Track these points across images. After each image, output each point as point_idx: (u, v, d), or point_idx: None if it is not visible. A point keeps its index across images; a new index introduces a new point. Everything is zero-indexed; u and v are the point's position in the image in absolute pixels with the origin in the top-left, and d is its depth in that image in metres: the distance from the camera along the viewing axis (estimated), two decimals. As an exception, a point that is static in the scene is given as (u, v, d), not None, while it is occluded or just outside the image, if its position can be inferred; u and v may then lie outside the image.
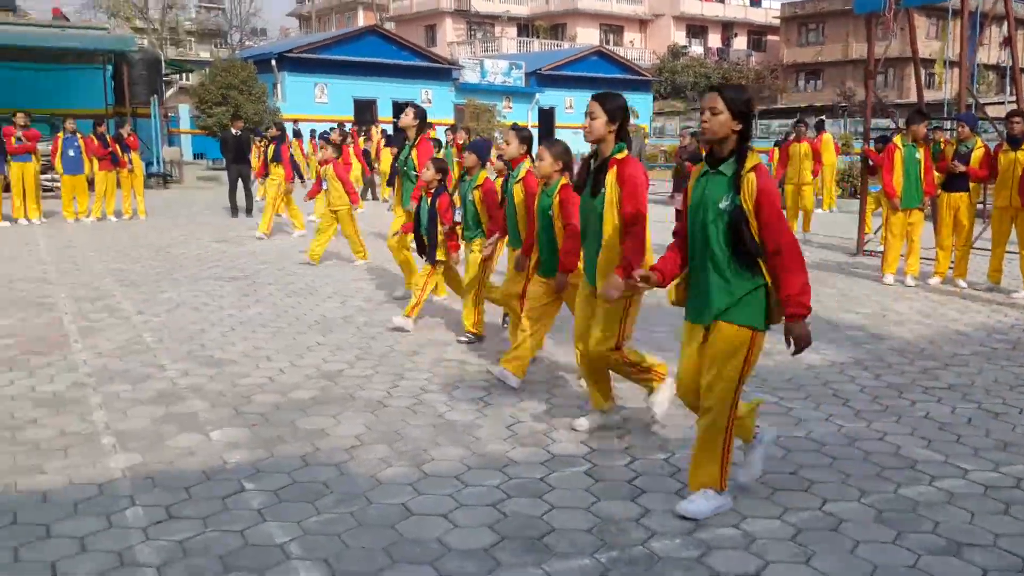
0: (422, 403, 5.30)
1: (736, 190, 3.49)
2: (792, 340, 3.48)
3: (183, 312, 7.85)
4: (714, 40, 58.69)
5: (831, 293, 9.01)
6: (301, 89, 32.72)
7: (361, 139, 22.28)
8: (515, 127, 6.28)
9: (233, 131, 16.04)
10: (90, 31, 26.37)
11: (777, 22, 56.74)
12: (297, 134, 25.01)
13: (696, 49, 55.70)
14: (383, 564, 3.30)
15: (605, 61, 42.00)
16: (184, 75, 37.19)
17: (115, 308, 8.00)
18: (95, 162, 15.32)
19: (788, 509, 3.80)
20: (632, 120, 14.26)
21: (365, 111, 33.42)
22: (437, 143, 12.43)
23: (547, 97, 39.40)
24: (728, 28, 59.80)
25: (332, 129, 16.91)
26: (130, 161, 15.78)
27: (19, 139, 14.51)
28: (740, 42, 60.00)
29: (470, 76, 36.58)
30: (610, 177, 4.36)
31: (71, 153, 14.98)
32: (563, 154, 5.34)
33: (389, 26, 49.91)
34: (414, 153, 7.99)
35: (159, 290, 8.89)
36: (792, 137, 14.03)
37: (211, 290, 8.92)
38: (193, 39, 62.92)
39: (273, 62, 32.47)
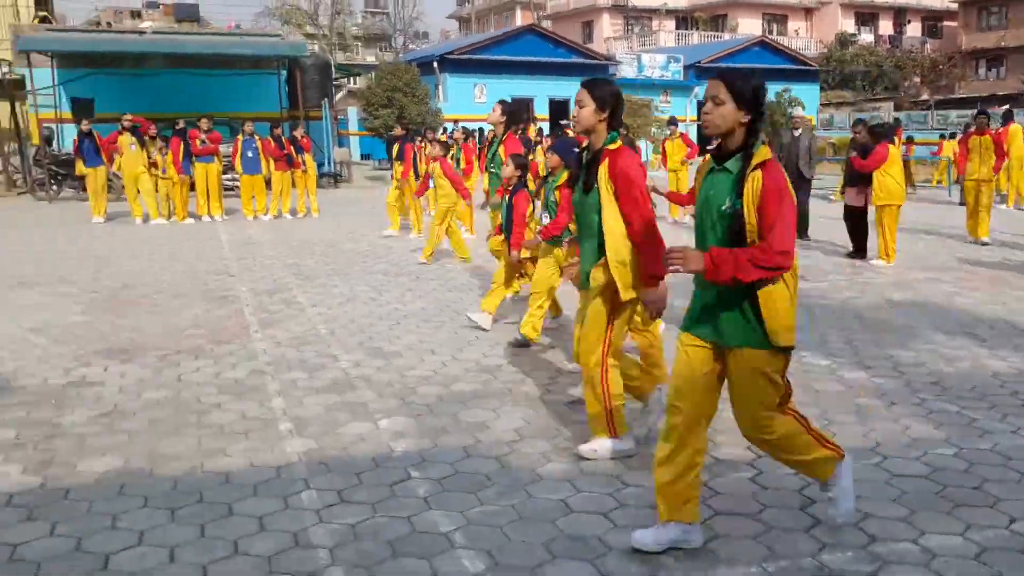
0: (580, 400, 5.30)
1: (739, 192, 3.10)
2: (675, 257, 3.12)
3: (354, 305, 8.18)
4: (885, 27, 55.71)
5: (1019, 296, 8.37)
6: (461, 90, 33.43)
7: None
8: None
9: (396, 132, 16.56)
10: (266, 39, 27.90)
11: (954, 7, 53.24)
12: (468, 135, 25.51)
13: (866, 37, 53.04)
14: (543, 558, 3.33)
15: (768, 51, 40.66)
16: (352, 79, 38.78)
17: (291, 301, 8.44)
18: (271, 163, 16.19)
19: (971, 526, 3.56)
20: (800, 111, 13.84)
21: (522, 110, 33.83)
22: (527, 141, 12.39)
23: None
24: (900, 14, 56.62)
25: (456, 128, 17.08)
26: (303, 162, 16.58)
27: (203, 142, 15.55)
28: (914, 28, 56.69)
29: (627, 71, 36.29)
30: (602, 170, 4.04)
31: (249, 154, 15.91)
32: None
33: (546, 24, 50.25)
34: (501, 150, 8.02)
35: (331, 284, 9.32)
36: (973, 129, 13.12)
37: (378, 284, 9.25)
38: (360, 44, 65.49)
39: (435, 64, 33.33)
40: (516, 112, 8.31)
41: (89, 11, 59.65)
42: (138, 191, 15.40)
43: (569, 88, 34.21)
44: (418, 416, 5.00)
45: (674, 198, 7.58)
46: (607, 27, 53.39)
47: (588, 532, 3.54)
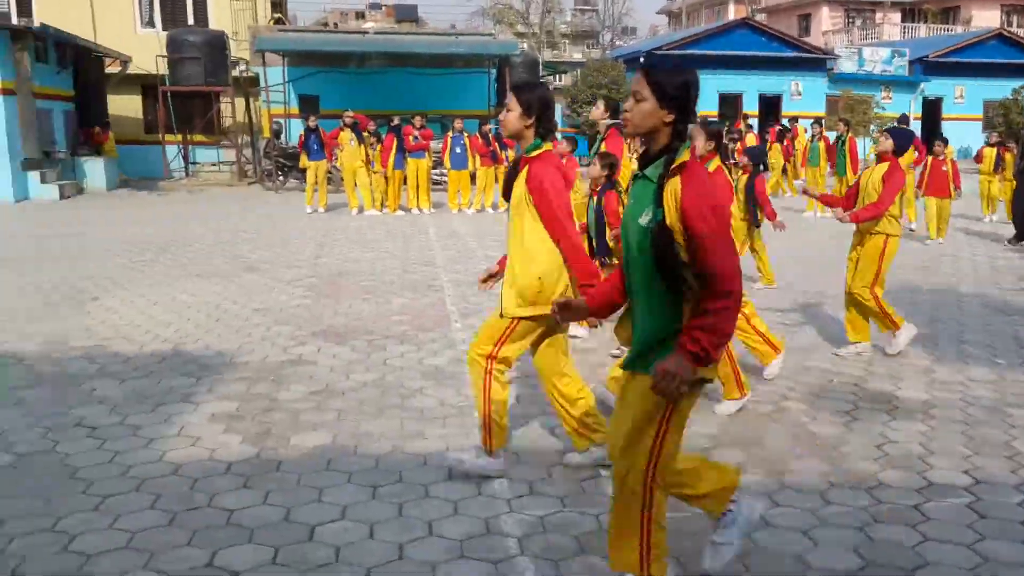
0: (782, 410, 5.09)
1: (658, 202, 2.67)
2: (661, 377, 2.59)
3: (549, 300, 8.25)
4: None
5: None
6: (668, 85, 33.00)
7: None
8: (704, 120, 5.67)
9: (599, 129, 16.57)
10: (479, 38, 28.73)
11: None
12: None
13: None
14: (738, 571, 3.21)
15: (1006, 45, 37.31)
16: (558, 76, 39.21)
17: (492, 292, 8.62)
18: (478, 158, 16.68)
19: None
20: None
21: (730, 105, 32.92)
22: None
23: (933, 86, 35.93)
24: None
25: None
26: (507, 158, 16.95)
27: (415, 138, 16.24)
28: None
29: (846, 65, 34.44)
30: (520, 178, 3.80)
31: (457, 150, 16.46)
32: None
33: (760, 18, 48.61)
34: (603, 147, 7.77)
35: (528, 278, 9.44)
36: None
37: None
38: (567, 41, 66.14)
39: (641, 60, 33.06)
40: (619, 109, 8.12)
41: (318, 12, 63.84)
42: (355, 184, 16.31)
43: (781, 83, 32.95)
44: (608, 414, 4.96)
45: (828, 200, 6.84)
46: (826, 20, 50.96)
47: (786, 549, 3.39)
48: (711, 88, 32.96)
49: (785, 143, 19.67)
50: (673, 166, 2.67)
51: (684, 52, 33.27)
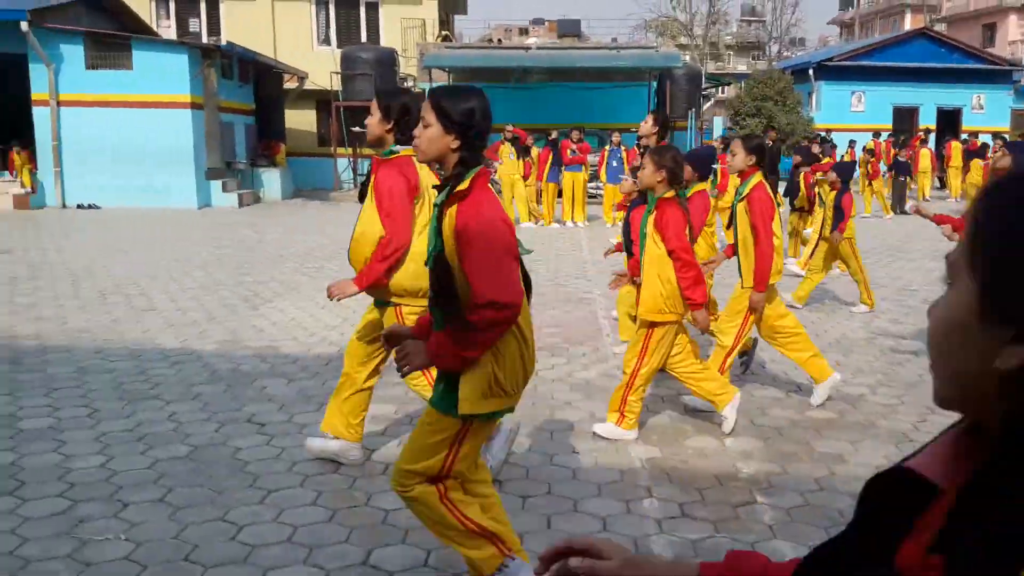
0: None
1: (438, 230, 2.65)
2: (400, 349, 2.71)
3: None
4: None
5: None
6: (836, 98, 31.70)
7: (894, 150, 20.89)
8: (745, 136, 5.39)
9: (767, 142, 16.14)
10: (640, 51, 28.59)
11: None
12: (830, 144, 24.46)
13: None
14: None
15: None
16: (721, 88, 38.48)
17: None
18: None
19: None
20: None
21: (905, 119, 31.30)
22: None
23: None
24: None
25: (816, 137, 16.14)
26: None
27: (573, 151, 16.32)
28: None
29: (1036, 78, 32.13)
30: (372, 184, 3.89)
31: (615, 164, 16.40)
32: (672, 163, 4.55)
33: (939, 28, 46.03)
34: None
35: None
36: None
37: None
38: (731, 52, 64.82)
39: (810, 71, 31.98)
40: (669, 124, 7.87)
41: (482, 29, 65.37)
42: (513, 196, 16.56)
43: (962, 96, 31.07)
44: (767, 439, 4.81)
45: (944, 221, 6.15)
46: (1013, 29, 47.67)
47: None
48: (884, 100, 31.50)
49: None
50: (452, 194, 2.65)
51: (856, 63, 31.99)
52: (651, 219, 4.67)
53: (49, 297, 8.78)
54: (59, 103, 19.19)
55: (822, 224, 8.86)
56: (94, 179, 19.41)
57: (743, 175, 5.33)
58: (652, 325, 4.60)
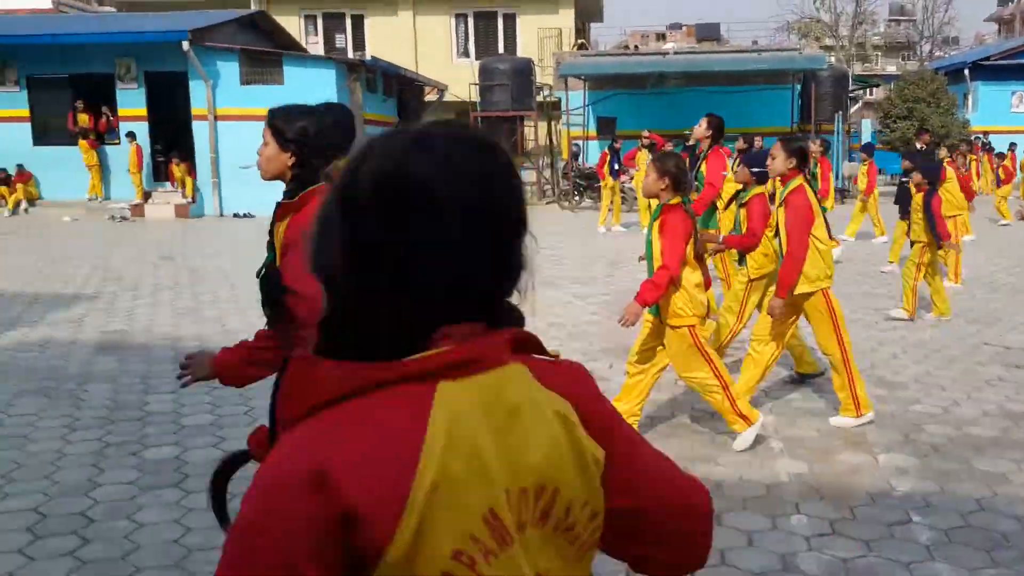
0: None
1: (271, 245, 2.59)
2: None
3: (854, 329, 7.75)
4: None
5: None
6: (995, 99, 29.85)
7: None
8: (784, 137, 5.18)
9: (918, 145, 15.40)
10: (783, 53, 27.79)
11: None
12: (987, 147, 23.13)
13: None
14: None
15: None
16: (869, 90, 36.97)
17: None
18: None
19: None
20: None
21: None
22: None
23: None
24: None
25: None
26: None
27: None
28: None
29: None
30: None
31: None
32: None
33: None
34: (703, 166, 7.40)
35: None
36: None
37: (866, 305, 8.64)
38: (880, 53, 62.15)
39: (966, 71, 30.27)
40: (723, 128, 7.51)
41: (618, 36, 65.12)
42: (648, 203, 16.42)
43: None
44: (924, 456, 4.58)
45: None
46: None
47: None
48: (1048, 100, 29.53)
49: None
50: (280, 209, 2.58)
51: (1016, 62, 30.12)
52: (655, 225, 4.58)
53: (209, 301, 9.31)
54: (216, 117, 20.34)
55: (908, 227, 8.57)
56: (249, 189, 20.37)
57: (784, 179, 5.15)
58: (674, 328, 4.59)
